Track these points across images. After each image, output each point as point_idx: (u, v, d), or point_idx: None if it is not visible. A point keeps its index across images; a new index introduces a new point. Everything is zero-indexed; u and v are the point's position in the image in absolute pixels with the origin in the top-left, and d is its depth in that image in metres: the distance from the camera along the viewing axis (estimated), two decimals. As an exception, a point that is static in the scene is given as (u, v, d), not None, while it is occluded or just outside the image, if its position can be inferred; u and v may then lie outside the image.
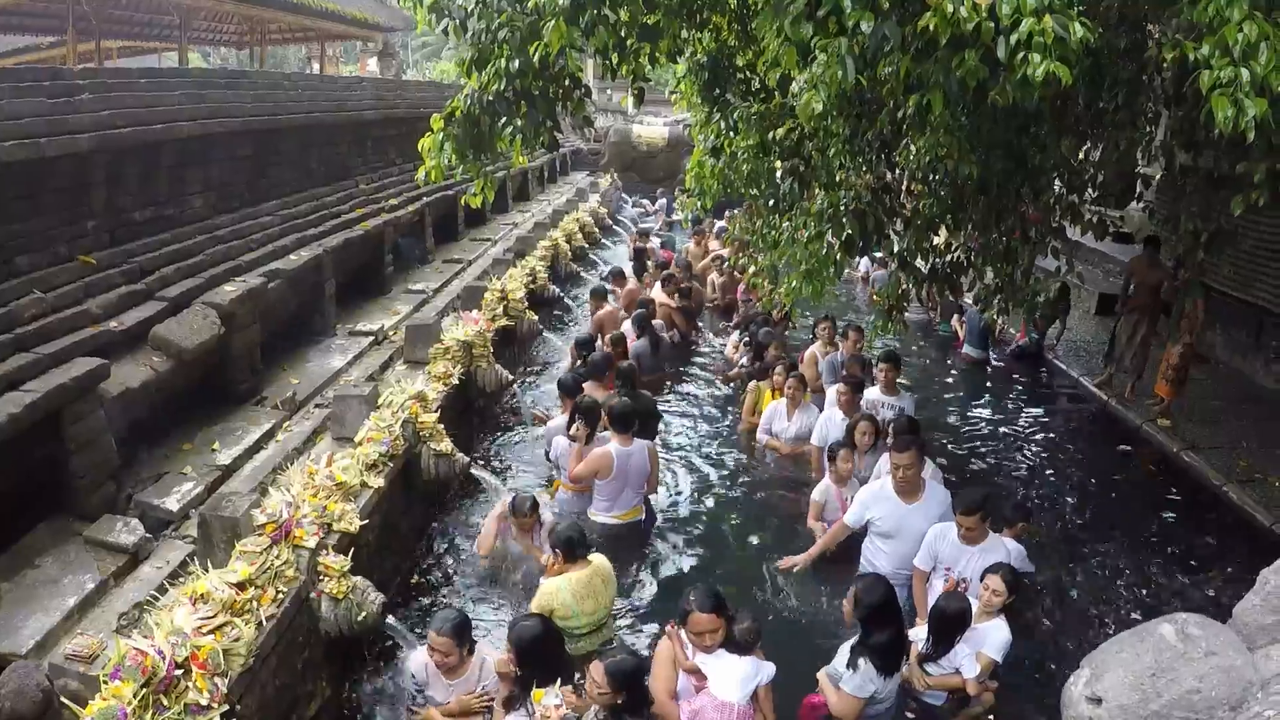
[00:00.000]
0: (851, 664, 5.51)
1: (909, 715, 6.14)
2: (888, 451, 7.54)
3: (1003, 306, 9.38)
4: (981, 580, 6.20)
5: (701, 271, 18.56)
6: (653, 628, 7.21)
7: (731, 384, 12.32)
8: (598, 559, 6.57)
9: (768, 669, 5.49)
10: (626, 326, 12.52)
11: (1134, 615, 7.46)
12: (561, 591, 6.27)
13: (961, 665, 5.94)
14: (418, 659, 5.77)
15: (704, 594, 5.47)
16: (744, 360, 12.40)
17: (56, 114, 7.37)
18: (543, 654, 5.26)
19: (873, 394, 9.69)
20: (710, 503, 9.36)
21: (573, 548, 6.41)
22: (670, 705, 5.37)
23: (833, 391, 9.68)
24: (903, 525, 7.06)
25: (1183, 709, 3.72)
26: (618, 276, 14.99)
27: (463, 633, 5.56)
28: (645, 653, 6.29)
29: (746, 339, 12.65)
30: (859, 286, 19.74)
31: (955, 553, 6.64)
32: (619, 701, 4.93)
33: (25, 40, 20.66)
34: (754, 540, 8.63)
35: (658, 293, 14.42)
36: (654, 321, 12.94)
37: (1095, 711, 3.94)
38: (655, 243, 20.78)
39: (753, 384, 10.91)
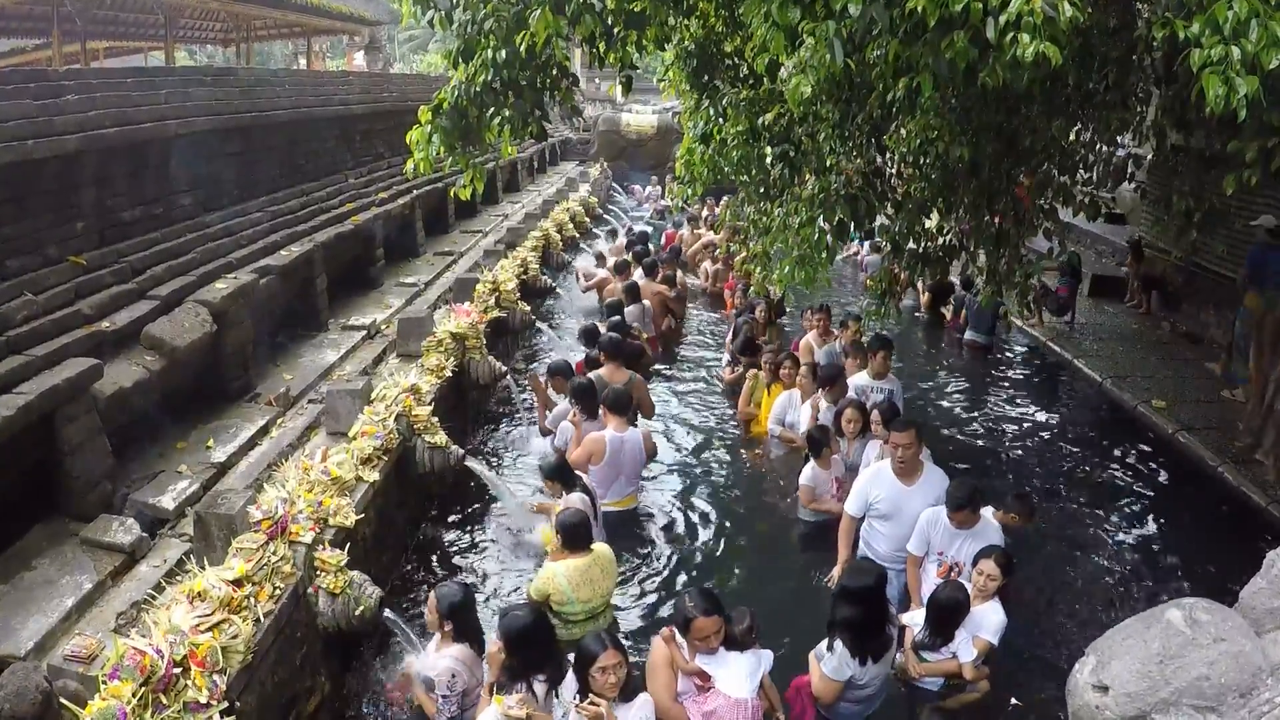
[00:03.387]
0: (829, 644, 5.53)
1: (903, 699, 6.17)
2: (876, 438, 7.56)
3: (995, 289, 9.38)
4: (974, 565, 6.21)
5: (691, 258, 18.65)
6: (649, 615, 7.27)
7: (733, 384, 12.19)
8: (600, 548, 6.57)
9: (767, 657, 5.52)
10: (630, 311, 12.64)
11: (1135, 600, 7.47)
12: (558, 578, 6.29)
13: (958, 649, 5.93)
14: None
15: (701, 597, 5.43)
16: (733, 349, 12.35)
17: (43, 115, 7.33)
18: (532, 644, 5.27)
19: (862, 379, 9.66)
20: (704, 490, 9.37)
21: (574, 536, 6.42)
22: (676, 708, 5.37)
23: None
24: (901, 507, 7.06)
25: (1192, 696, 3.69)
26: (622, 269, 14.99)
27: (451, 610, 5.57)
28: (642, 643, 6.34)
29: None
30: (850, 269, 19.77)
31: (948, 538, 6.64)
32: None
33: (10, 43, 20.57)
34: (748, 527, 8.66)
35: (642, 281, 14.42)
36: (640, 306, 13.00)
37: (1102, 699, 3.92)
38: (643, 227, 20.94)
39: (751, 372, 10.86)
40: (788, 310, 14.07)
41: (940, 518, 6.67)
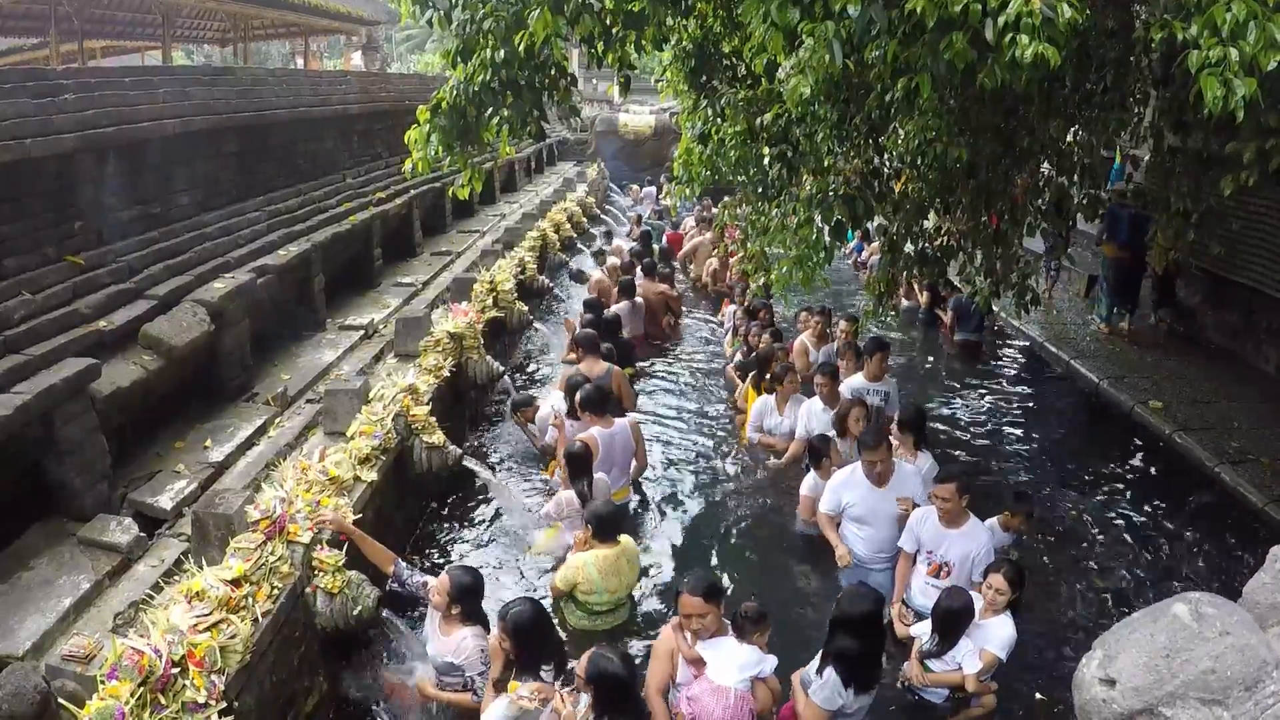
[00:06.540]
0: (820, 670, 5.42)
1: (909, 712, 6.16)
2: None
3: (994, 290, 9.38)
4: (984, 579, 6.18)
5: (683, 259, 18.77)
6: (644, 610, 7.29)
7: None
8: (626, 540, 6.77)
9: (769, 662, 5.50)
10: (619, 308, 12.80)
11: (1133, 598, 7.48)
12: (588, 567, 6.43)
13: (963, 661, 5.89)
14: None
15: (697, 578, 5.53)
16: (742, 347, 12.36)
17: (40, 114, 7.31)
18: (538, 635, 5.34)
19: (857, 381, 9.64)
20: (701, 490, 9.40)
21: (605, 526, 6.58)
22: (656, 699, 5.42)
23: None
24: (875, 510, 7.13)
25: (1198, 689, 3.70)
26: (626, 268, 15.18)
27: (463, 593, 5.73)
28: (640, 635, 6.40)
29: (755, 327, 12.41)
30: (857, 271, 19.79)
31: (937, 536, 6.66)
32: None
33: (8, 42, 20.57)
34: (741, 531, 8.66)
35: (642, 280, 14.49)
36: (629, 304, 13.07)
37: (1109, 693, 3.93)
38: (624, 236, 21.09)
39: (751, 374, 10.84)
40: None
41: (929, 516, 6.70)
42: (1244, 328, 12.78)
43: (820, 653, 5.51)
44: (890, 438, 7.69)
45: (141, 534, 6.35)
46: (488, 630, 5.80)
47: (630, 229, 22.03)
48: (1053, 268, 14.92)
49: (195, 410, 8.33)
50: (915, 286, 15.44)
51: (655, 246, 18.29)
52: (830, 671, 5.33)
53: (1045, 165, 8.85)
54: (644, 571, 7.56)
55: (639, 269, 14.87)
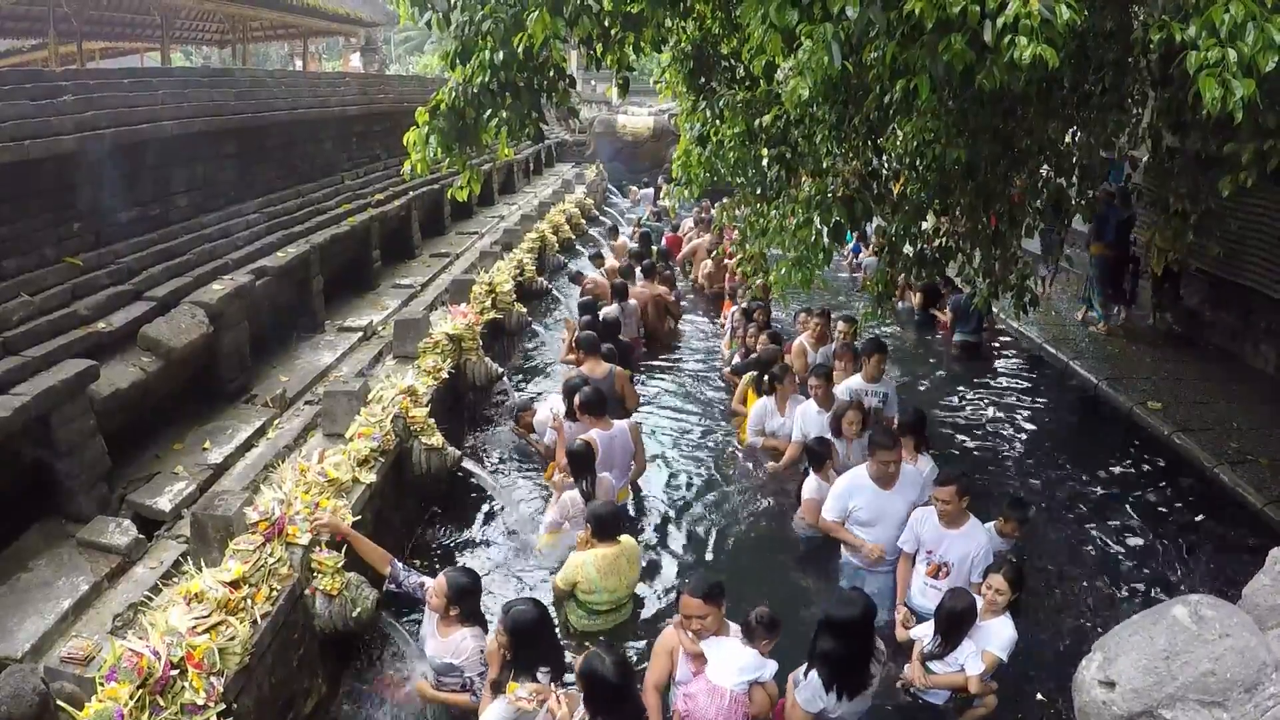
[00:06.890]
0: (805, 672, 5.45)
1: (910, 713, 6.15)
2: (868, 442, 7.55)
3: (992, 291, 9.37)
4: (984, 579, 6.19)
5: (683, 261, 18.77)
6: (644, 610, 7.30)
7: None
8: (627, 539, 6.83)
9: (770, 667, 5.49)
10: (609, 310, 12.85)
11: (1133, 600, 7.48)
12: (587, 566, 6.50)
13: (965, 662, 5.88)
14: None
15: (699, 579, 5.56)
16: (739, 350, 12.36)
17: (40, 116, 7.31)
18: (537, 637, 5.33)
19: (855, 382, 9.60)
20: (700, 491, 9.39)
21: (604, 526, 6.68)
22: (652, 695, 5.45)
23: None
24: (883, 512, 7.10)
25: (1197, 691, 3.71)
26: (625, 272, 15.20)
27: (460, 594, 5.76)
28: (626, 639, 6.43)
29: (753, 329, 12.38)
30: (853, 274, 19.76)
31: (936, 536, 6.65)
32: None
33: (6, 44, 20.56)
34: (742, 529, 8.67)
35: (640, 282, 14.50)
36: (619, 305, 13.09)
37: (1108, 695, 3.94)
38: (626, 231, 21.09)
39: (749, 374, 10.82)
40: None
41: (929, 516, 6.69)
42: (1243, 328, 12.79)
43: (807, 653, 5.52)
44: None
45: (140, 535, 6.34)
46: (486, 631, 5.81)
47: (632, 231, 22.03)
48: (1050, 268, 14.94)
49: (194, 412, 8.33)
50: (910, 287, 15.46)
51: (654, 248, 18.26)
52: (814, 674, 5.36)
53: (1044, 166, 8.85)
54: (644, 572, 7.56)
55: (638, 270, 14.86)
